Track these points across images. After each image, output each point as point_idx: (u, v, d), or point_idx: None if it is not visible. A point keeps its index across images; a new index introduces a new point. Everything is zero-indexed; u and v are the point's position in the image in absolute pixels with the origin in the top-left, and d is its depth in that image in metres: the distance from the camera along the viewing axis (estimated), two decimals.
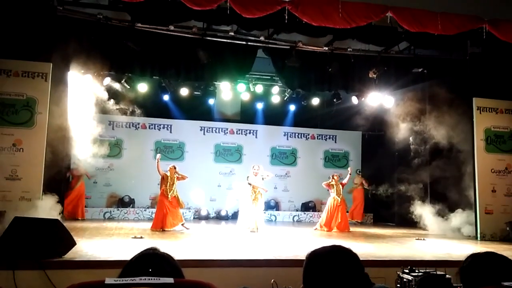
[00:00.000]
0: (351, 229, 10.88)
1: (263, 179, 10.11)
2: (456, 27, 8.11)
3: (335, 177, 10.90)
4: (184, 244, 7.77)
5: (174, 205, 9.62)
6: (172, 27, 9.43)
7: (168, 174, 9.69)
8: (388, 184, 13.65)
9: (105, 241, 7.51)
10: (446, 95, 10.27)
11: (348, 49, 10.37)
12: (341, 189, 10.81)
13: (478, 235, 9.63)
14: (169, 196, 9.55)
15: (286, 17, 7.79)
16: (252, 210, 9.79)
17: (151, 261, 1.66)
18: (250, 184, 9.99)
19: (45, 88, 8.31)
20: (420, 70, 10.42)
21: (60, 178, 9.85)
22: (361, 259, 1.79)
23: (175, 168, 9.85)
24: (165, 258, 1.70)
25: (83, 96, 9.97)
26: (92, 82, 10.17)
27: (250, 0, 7.72)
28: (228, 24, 9.45)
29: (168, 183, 9.64)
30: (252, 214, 9.76)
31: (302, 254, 6.21)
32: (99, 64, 9.35)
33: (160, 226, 9.37)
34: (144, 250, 1.75)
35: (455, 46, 9.66)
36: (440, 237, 10.01)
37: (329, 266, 1.68)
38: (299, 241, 8.84)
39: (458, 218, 10.51)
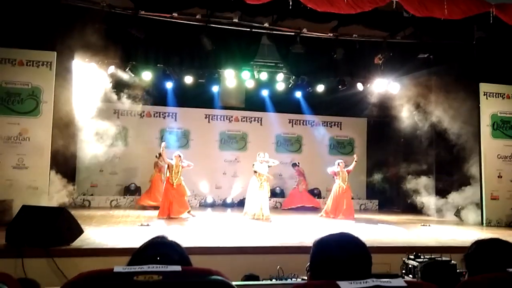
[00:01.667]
0: (356, 215, 10.90)
1: (269, 166, 10.12)
2: (462, 11, 7.98)
3: (340, 164, 10.87)
4: (191, 231, 7.83)
5: (180, 193, 9.67)
6: (175, 14, 9.38)
7: (174, 162, 9.72)
8: (393, 170, 13.65)
9: (112, 229, 7.57)
10: (452, 81, 10.20)
11: (354, 35, 10.28)
12: (347, 176, 10.79)
13: (484, 221, 9.63)
14: (175, 184, 9.59)
15: (291, 3, 7.71)
16: (257, 197, 9.82)
17: (159, 249, 1.68)
18: (255, 171, 10.01)
19: (50, 77, 8.33)
20: (426, 55, 10.31)
21: (68, 166, 9.92)
22: (365, 244, 1.79)
23: (180, 156, 9.87)
24: (173, 246, 1.72)
25: (88, 85, 9.98)
26: (97, 70, 10.17)
27: None
28: (232, 11, 9.38)
29: (173, 171, 9.66)
30: (257, 201, 9.79)
31: (307, 241, 6.26)
32: (103, 52, 9.35)
33: (166, 213, 9.42)
34: (152, 238, 1.77)
35: (462, 31, 9.55)
36: (445, 223, 10.03)
37: (336, 254, 1.68)
38: (304, 228, 8.88)
39: (464, 204, 10.51)
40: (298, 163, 13.46)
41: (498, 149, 9.94)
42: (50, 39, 8.39)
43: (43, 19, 8.21)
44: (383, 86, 11.52)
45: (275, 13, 9.44)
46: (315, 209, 12.28)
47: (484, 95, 9.96)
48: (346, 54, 10.39)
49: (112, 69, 10.60)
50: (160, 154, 9.93)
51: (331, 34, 10.18)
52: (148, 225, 8.16)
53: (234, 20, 9.70)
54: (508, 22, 8.26)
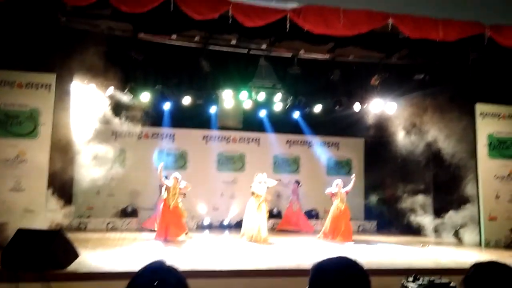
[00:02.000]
0: (354, 237, 10.83)
1: (267, 187, 10.06)
2: (457, 33, 8.12)
3: (338, 184, 10.85)
4: (188, 254, 7.76)
5: (177, 215, 9.61)
6: (174, 37, 9.48)
7: (171, 183, 9.68)
8: (391, 190, 13.63)
9: (108, 252, 7.49)
10: (449, 101, 10.27)
11: (350, 56, 10.40)
12: (345, 197, 10.75)
13: (483, 242, 9.57)
14: (171, 206, 9.53)
15: (288, 26, 7.83)
16: (255, 219, 9.75)
17: (157, 274, 1.67)
18: (253, 192, 9.95)
19: (49, 99, 8.35)
20: (422, 76, 10.42)
21: (65, 188, 9.88)
22: (364, 267, 1.78)
23: (177, 178, 9.84)
24: (170, 271, 1.71)
25: (87, 106, 10.01)
26: (96, 92, 10.22)
27: (252, 9, 7.75)
28: (230, 34, 9.49)
29: (171, 192, 9.62)
30: (255, 223, 9.72)
31: (305, 264, 6.19)
32: (103, 74, 9.40)
33: (163, 236, 9.34)
34: (150, 263, 1.75)
35: (457, 52, 9.67)
36: (444, 244, 9.97)
37: (335, 279, 1.67)
38: (301, 250, 8.81)
39: (462, 224, 10.47)
40: (300, 184, 13.40)
41: (495, 169, 9.95)
42: (50, 61, 8.44)
43: (43, 42, 8.27)
44: (380, 107, 11.59)
45: (273, 35, 9.55)
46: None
47: (480, 115, 10.02)
48: (343, 75, 10.49)
49: (111, 90, 10.64)
50: (176, 177, 9.91)
51: (328, 56, 10.30)
52: (145, 248, 8.08)
53: (232, 43, 9.81)
54: (503, 43, 8.40)
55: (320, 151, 14.64)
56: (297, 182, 13.30)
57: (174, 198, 9.62)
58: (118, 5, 7.24)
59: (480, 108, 10.02)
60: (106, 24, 8.99)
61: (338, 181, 11.03)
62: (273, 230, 12.21)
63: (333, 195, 10.80)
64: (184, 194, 10.50)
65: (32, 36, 8.19)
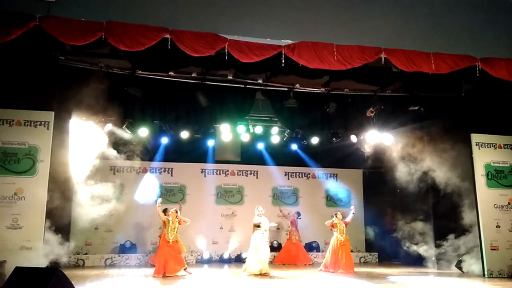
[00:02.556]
0: (356, 269, 10.72)
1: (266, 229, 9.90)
2: (449, 66, 8.31)
3: (338, 216, 10.83)
4: None
5: (175, 250, 9.51)
6: (172, 73, 9.65)
7: (170, 218, 9.63)
8: (391, 221, 13.58)
9: None
10: (444, 132, 10.36)
11: (345, 89, 10.55)
12: (344, 228, 10.71)
13: (485, 272, 9.47)
14: (170, 241, 9.45)
15: (283, 61, 8.00)
16: (262, 252, 9.58)
17: None
18: (258, 226, 9.76)
19: (47, 136, 8.40)
20: (416, 108, 10.54)
21: (63, 225, 9.81)
22: None
23: (176, 212, 9.80)
24: None
25: (85, 143, 10.07)
26: (94, 128, 10.30)
27: (247, 45, 7.95)
28: (227, 69, 9.67)
29: (170, 227, 9.55)
30: (263, 256, 9.55)
31: None
32: (101, 110, 9.51)
33: (162, 272, 9.22)
34: None
35: (450, 84, 9.84)
36: (447, 275, 9.86)
37: None
38: (303, 283, 8.69)
39: (464, 255, 10.39)
40: (300, 216, 13.34)
41: (494, 199, 9.94)
42: (48, 99, 8.52)
43: (42, 80, 8.39)
44: (377, 138, 11.67)
45: (268, 70, 9.74)
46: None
47: (476, 145, 10.08)
48: (339, 108, 10.61)
49: (109, 126, 10.74)
50: (176, 211, 9.83)
51: (323, 89, 10.46)
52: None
53: (229, 77, 9.97)
54: (494, 75, 8.58)
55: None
56: (298, 213, 13.26)
57: (174, 232, 9.55)
58: (117, 44, 7.41)
59: (475, 138, 10.09)
60: (105, 62, 9.15)
61: (337, 212, 11.02)
62: (270, 263, 12.07)
63: (333, 226, 10.76)
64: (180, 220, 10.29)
65: (31, 75, 8.34)
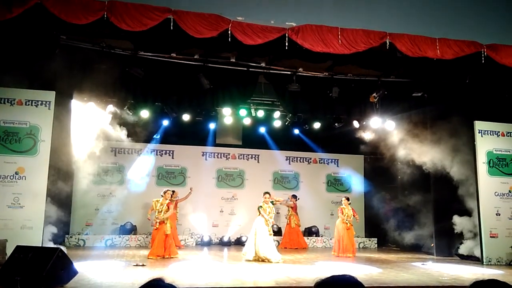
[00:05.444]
0: (356, 254, 10.83)
1: (273, 203, 9.82)
2: (454, 52, 8.21)
3: (344, 200, 11.04)
4: (187, 272, 7.70)
5: (160, 233, 9.50)
6: (174, 55, 9.55)
7: (160, 200, 9.61)
8: (391, 207, 13.61)
9: (107, 269, 7.44)
10: (447, 119, 10.31)
11: (348, 74, 10.47)
12: (351, 213, 10.90)
13: (484, 259, 9.52)
14: (157, 224, 9.47)
15: (287, 44, 7.91)
16: (263, 239, 9.48)
17: None
18: (260, 213, 9.63)
19: (48, 116, 8.38)
20: (420, 94, 10.46)
21: (63, 205, 9.84)
22: (366, 285, 1.78)
23: (173, 192, 9.75)
24: None
25: (86, 123, 10.04)
26: (95, 109, 10.26)
27: (251, 27, 7.85)
28: (229, 51, 9.57)
29: (163, 210, 9.53)
30: (267, 243, 9.45)
31: (306, 281, 6.12)
32: (102, 91, 9.45)
33: (159, 253, 9.25)
34: (149, 281, 1.75)
35: (454, 70, 9.74)
36: (445, 261, 9.91)
37: None
38: (304, 267, 8.73)
39: (463, 242, 10.44)
40: (298, 198, 13.35)
41: (495, 186, 9.94)
42: (50, 78, 8.49)
43: (43, 60, 8.34)
44: (379, 124, 11.62)
45: (272, 54, 9.62)
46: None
47: (479, 132, 10.05)
48: (342, 93, 10.53)
49: (110, 107, 10.69)
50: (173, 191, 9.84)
51: (327, 73, 10.36)
52: (143, 265, 8.03)
53: (231, 60, 9.87)
54: (500, 62, 8.48)
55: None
56: (294, 197, 13.23)
57: (161, 215, 9.49)
58: (119, 24, 7.32)
59: (478, 126, 10.05)
60: (107, 42, 9.06)
61: (345, 197, 11.36)
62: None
63: (341, 211, 10.96)
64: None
65: (32, 54, 8.27)
